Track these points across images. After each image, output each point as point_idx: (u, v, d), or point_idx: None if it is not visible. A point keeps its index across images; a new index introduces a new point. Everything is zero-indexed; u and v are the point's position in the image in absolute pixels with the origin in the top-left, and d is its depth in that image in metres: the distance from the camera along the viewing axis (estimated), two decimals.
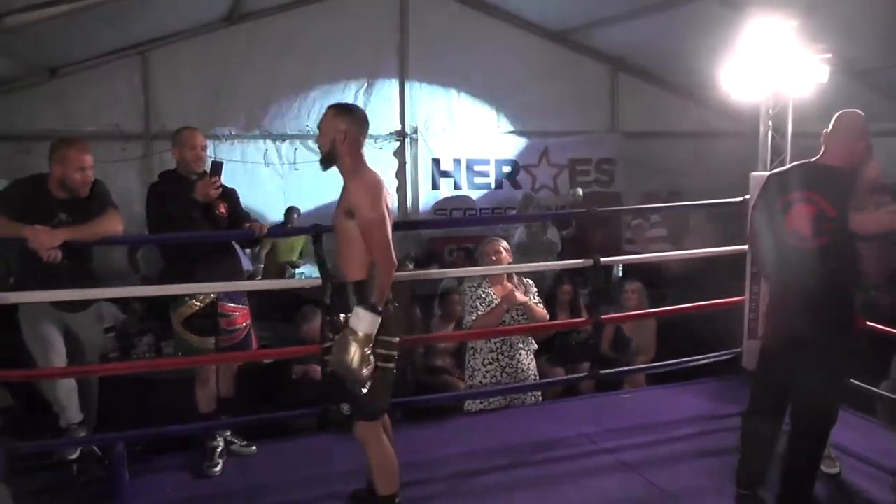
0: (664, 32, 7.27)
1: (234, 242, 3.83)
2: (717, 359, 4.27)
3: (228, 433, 3.75)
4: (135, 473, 3.35)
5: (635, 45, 8.24)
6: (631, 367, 4.84)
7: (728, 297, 4.23)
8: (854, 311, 2.83)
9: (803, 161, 3.16)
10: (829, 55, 4.35)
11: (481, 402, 4.28)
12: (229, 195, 3.71)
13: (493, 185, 8.97)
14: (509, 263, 4.30)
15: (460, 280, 5.12)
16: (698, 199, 5.06)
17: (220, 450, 3.62)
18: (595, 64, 9.01)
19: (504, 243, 4.36)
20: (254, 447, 3.76)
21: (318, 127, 2.81)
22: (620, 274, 6.96)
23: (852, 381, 3.64)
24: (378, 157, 8.13)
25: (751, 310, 4.02)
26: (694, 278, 5.31)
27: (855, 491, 3.32)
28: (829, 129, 3.02)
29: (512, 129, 8.92)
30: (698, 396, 4.33)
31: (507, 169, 9.00)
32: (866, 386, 3.76)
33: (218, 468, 3.56)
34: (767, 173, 3.57)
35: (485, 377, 4.26)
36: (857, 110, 3.01)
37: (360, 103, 7.74)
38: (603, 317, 4.15)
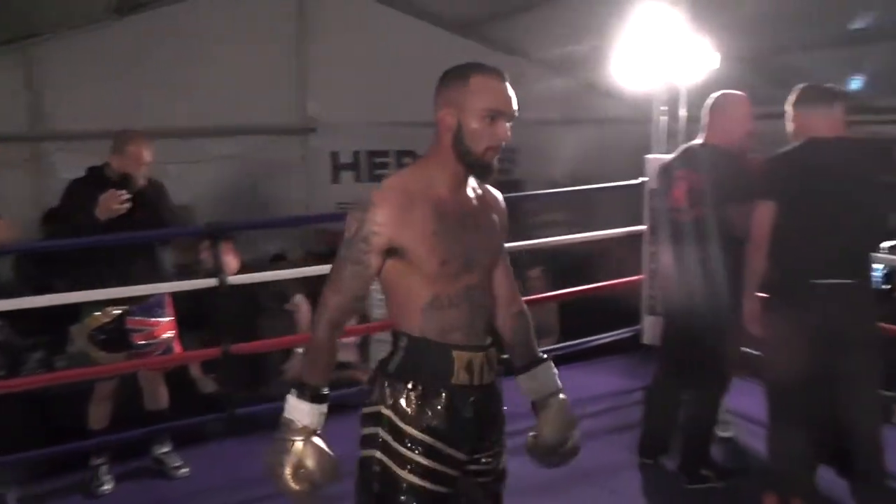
0: (564, 23, 7.40)
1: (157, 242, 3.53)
2: (619, 336, 4.42)
3: (164, 450, 3.56)
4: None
5: (535, 34, 8.35)
6: None
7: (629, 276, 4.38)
8: (741, 281, 2.94)
9: (690, 143, 3.33)
10: (720, 42, 4.53)
11: None
12: (156, 189, 3.47)
13: None
14: None
15: None
16: (599, 184, 5.22)
17: (104, 468, 3.40)
18: (494, 53, 9.07)
19: None
20: (185, 469, 3.53)
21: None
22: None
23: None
24: (275, 152, 7.90)
25: (649, 287, 4.17)
26: (597, 260, 5.47)
27: (749, 451, 3.51)
28: (705, 111, 3.19)
29: (412, 119, 8.79)
30: (603, 374, 4.46)
31: (407, 160, 8.93)
32: None
33: (105, 487, 3.37)
34: (661, 156, 3.74)
35: None
36: (733, 91, 3.17)
37: (257, 95, 7.57)
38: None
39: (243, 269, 4.23)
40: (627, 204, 4.52)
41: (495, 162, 1.80)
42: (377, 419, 1.76)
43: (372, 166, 8.77)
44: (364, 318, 4.89)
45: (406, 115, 8.51)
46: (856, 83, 7.90)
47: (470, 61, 1.82)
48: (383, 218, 1.66)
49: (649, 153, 4.27)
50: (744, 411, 3.67)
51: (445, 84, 1.78)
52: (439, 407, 1.73)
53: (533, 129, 9.14)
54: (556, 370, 1.97)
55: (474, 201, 1.84)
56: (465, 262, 1.74)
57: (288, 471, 1.69)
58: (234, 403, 3.70)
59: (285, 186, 7.95)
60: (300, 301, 4.42)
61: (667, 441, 3.39)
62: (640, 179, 4.19)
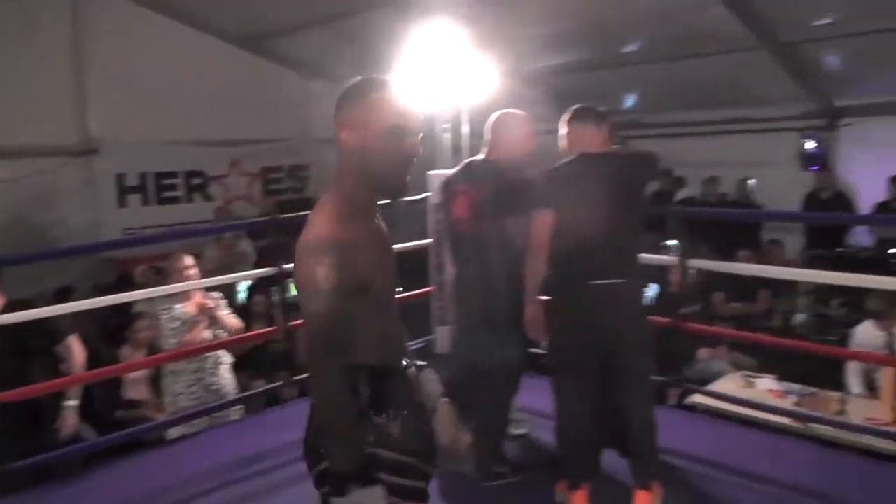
0: (350, 39, 7.45)
1: None
2: (412, 348, 4.50)
3: None
4: None
5: (324, 51, 8.32)
6: None
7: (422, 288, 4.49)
8: (523, 288, 3.13)
9: (471, 158, 3.50)
10: (501, 61, 4.77)
11: (183, 428, 4.08)
12: None
13: (183, 199, 8.51)
14: (200, 278, 4.19)
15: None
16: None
17: None
18: (285, 71, 8.96)
19: (190, 258, 4.24)
20: None
21: None
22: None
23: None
24: (54, 175, 7.27)
25: (438, 298, 4.30)
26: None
27: (541, 445, 3.70)
28: (488, 128, 3.36)
29: (201, 138, 8.40)
30: None
31: (197, 181, 8.61)
32: None
33: None
34: (444, 172, 3.87)
35: (189, 400, 4.08)
36: (514, 110, 3.38)
37: (28, 113, 6.80)
38: (292, 323, 4.13)
39: (9, 307, 3.76)
40: (418, 219, 4.63)
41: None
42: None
43: (160, 188, 8.34)
44: (154, 349, 4.61)
45: (194, 133, 8.23)
46: (629, 101, 8.73)
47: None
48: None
49: (433, 169, 4.39)
50: (535, 408, 3.86)
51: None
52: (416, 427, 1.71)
53: (325, 146, 9.14)
54: None
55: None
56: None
57: None
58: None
59: (66, 213, 7.36)
60: (72, 342, 3.79)
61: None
62: (424, 195, 4.31)
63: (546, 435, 3.59)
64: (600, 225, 2.87)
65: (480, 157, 3.40)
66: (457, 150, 4.47)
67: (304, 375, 4.39)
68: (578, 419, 3.02)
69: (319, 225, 1.63)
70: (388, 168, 1.69)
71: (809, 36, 6.21)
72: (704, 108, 8.02)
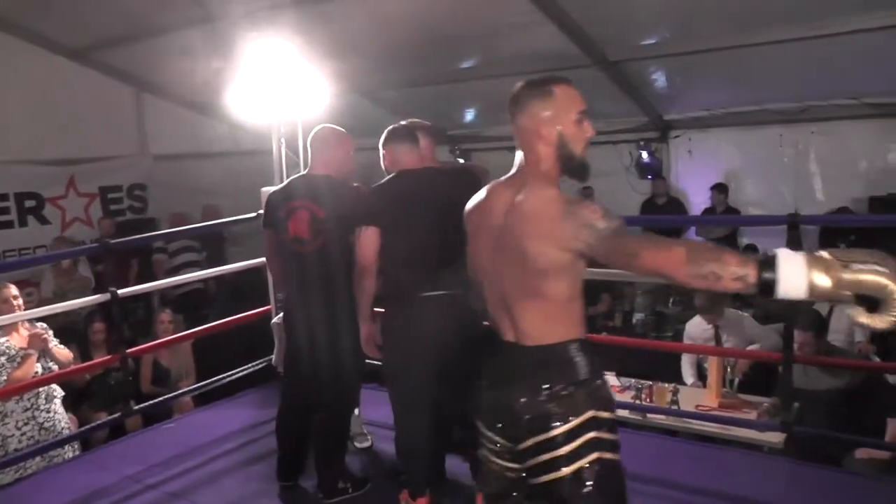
0: (183, 52, 7.20)
1: None
2: (254, 368, 4.42)
3: None
4: None
5: (157, 64, 8.00)
6: (168, 396, 4.57)
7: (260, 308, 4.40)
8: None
9: (298, 174, 3.46)
10: (335, 75, 4.75)
11: (15, 471, 3.78)
12: None
13: (16, 223, 7.87)
14: (27, 309, 3.95)
15: None
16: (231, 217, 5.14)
17: None
18: (120, 85, 8.53)
19: (13, 288, 3.95)
20: None
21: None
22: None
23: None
24: None
25: (277, 316, 4.23)
26: (238, 295, 5.42)
27: (385, 457, 3.72)
28: (310, 144, 3.35)
29: (34, 157, 7.76)
30: (242, 408, 4.43)
31: (30, 203, 8.02)
32: None
33: None
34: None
35: (21, 442, 3.81)
36: (331, 125, 3.39)
37: None
38: (129, 350, 3.95)
39: None
40: (253, 237, 4.53)
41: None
42: (589, 425, 1.84)
43: None
44: None
45: (26, 152, 7.66)
46: (469, 115, 8.94)
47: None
48: None
49: (270, 185, 4.32)
50: (378, 420, 3.90)
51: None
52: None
53: (162, 163, 8.79)
54: None
55: None
56: None
57: None
58: None
59: None
60: None
61: (301, 462, 3.48)
62: (259, 212, 4.23)
63: (390, 446, 3.60)
64: (425, 238, 2.92)
65: (309, 172, 3.37)
66: (293, 165, 4.40)
67: (148, 403, 4.23)
68: (417, 429, 3.06)
69: (555, 201, 1.82)
70: (582, 150, 1.90)
71: (636, 55, 6.58)
72: None
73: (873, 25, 5.26)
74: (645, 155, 8.36)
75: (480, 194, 2.04)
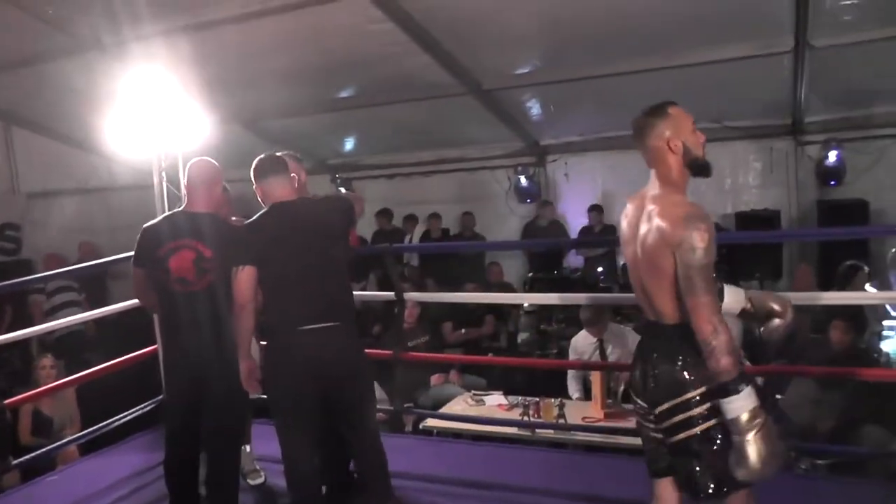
0: (54, 84, 6.92)
1: None
2: (143, 411, 4.30)
3: None
4: None
5: (27, 97, 7.65)
6: (50, 447, 4.29)
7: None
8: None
9: (173, 211, 3.42)
10: (213, 105, 4.69)
11: None
12: None
13: None
14: None
15: None
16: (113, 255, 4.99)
17: None
18: None
19: None
20: None
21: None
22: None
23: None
24: None
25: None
26: (122, 335, 5.25)
27: (279, 492, 3.65)
28: (186, 180, 3.32)
29: None
30: (131, 453, 4.27)
31: None
32: None
33: None
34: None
35: None
36: (208, 158, 3.36)
37: None
38: (6, 401, 3.76)
39: None
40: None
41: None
42: (713, 393, 2.12)
43: None
44: None
45: None
46: (348, 144, 9.01)
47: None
48: None
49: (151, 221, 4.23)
50: (270, 455, 3.85)
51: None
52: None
53: (37, 201, 8.38)
54: None
55: None
56: None
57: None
58: None
59: None
60: None
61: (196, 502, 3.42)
62: None
63: (283, 481, 3.62)
64: (301, 271, 2.95)
65: (190, 209, 3.30)
66: (176, 200, 4.33)
67: (28, 457, 3.99)
68: (302, 461, 3.07)
69: (680, 205, 2.17)
70: (702, 152, 2.25)
71: (510, 83, 6.89)
72: (422, 149, 8.66)
73: (723, 57, 5.79)
74: (523, 179, 8.70)
75: (626, 207, 2.40)
